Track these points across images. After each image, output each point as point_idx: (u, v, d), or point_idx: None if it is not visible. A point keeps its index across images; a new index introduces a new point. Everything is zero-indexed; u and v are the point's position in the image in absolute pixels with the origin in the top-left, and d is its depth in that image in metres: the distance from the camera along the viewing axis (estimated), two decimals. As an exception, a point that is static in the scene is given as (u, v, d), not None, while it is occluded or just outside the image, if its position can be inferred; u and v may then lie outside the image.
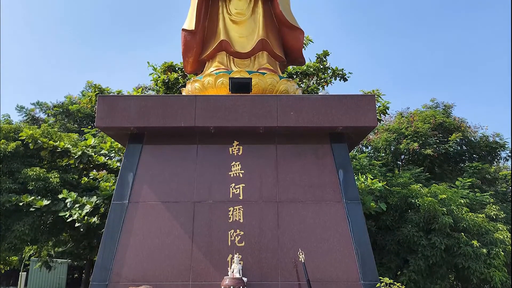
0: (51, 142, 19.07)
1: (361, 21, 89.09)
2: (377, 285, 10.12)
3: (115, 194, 11.38)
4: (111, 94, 21.59)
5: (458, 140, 29.69)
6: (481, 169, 27.34)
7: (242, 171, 11.54)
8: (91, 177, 19.53)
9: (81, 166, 19.87)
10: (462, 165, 30.40)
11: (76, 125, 36.82)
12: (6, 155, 19.71)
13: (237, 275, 10.12)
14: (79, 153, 19.19)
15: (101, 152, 20.12)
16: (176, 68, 22.36)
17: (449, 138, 29.19)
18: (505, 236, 17.91)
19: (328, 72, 22.73)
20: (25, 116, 38.19)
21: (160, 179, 11.52)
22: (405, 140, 29.28)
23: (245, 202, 11.25)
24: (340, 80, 22.81)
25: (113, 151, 20.20)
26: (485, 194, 22.24)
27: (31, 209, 17.97)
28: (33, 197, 18.01)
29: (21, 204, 17.90)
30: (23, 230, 18.18)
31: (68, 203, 17.67)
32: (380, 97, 20.81)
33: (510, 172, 29.50)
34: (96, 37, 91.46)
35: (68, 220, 17.55)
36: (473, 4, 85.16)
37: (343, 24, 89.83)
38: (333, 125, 11.47)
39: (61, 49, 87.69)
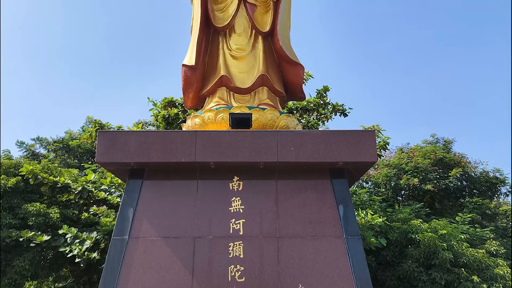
0: (51, 177, 19.11)
1: (361, 56, 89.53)
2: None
3: (115, 229, 11.34)
4: (111, 129, 21.63)
5: (458, 175, 29.81)
6: (481, 205, 27.41)
7: (242, 207, 11.51)
8: (92, 212, 19.55)
9: (81, 202, 19.89)
10: (462, 200, 30.48)
11: (76, 161, 36.94)
12: (6, 190, 19.71)
13: (237, 311, 10.08)
14: (79, 188, 19.21)
15: (101, 188, 20.14)
16: (176, 104, 22.42)
17: (449, 174, 29.31)
18: (505, 271, 17.93)
19: (329, 107, 22.78)
20: (25, 151, 38.29)
21: (161, 214, 11.48)
22: (405, 175, 29.37)
23: (245, 237, 11.21)
24: (340, 115, 22.85)
25: (113, 187, 20.22)
26: (485, 229, 22.32)
27: (31, 244, 17.93)
28: (33, 233, 17.99)
29: (21, 239, 17.86)
30: (23, 265, 18.16)
31: (68, 239, 17.67)
32: (381, 133, 20.89)
33: (510, 207, 29.50)
34: (96, 73, 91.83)
35: (69, 255, 17.51)
36: (472, 40, 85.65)
37: (343, 60, 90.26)
38: (333, 160, 11.45)
39: (61, 84, 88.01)
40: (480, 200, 27.59)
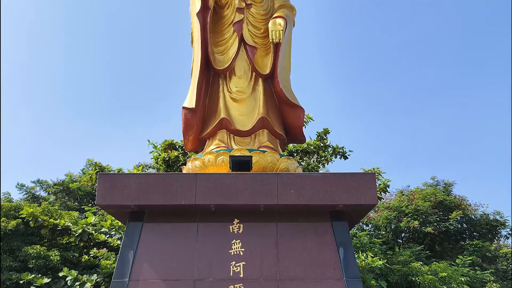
0: (51, 220, 19.07)
1: (361, 98, 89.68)
2: None
3: (116, 272, 11.30)
4: (111, 172, 21.67)
5: (458, 218, 29.88)
6: (481, 247, 27.45)
7: (243, 249, 11.47)
8: (92, 255, 19.46)
9: (82, 244, 19.85)
10: (463, 243, 30.53)
11: (76, 203, 36.87)
12: (6, 233, 19.74)
13: None
14: (80, 231, 19.18)
15: (101, 230, 20.11)
16: (177, 146, 22.46)
17: (449, 216, 29.37)
18: (506, 314, 17.89)
19: (329, 150, 22.81)
20: (26, 194, 38.22)
21: (161, 257, 11.44)
22: (405, 218, 29.41)
23: (245, 280, 11.16)
24: (340, 158, 22.90)
25: (114, 229, 20.18)
26: (485, 272, 22.35)
27: (32, 287, 17.87)
28: (33, 275, 17.95)
29: (21, 282, 17.81)
30: (24, 308, 18.13)
31: (69, 281, 17.60)
32: (381, 175, 20.90)
33: (511, 250, 29.49)
34: (96, 115, 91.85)
35: (69, 298, 17.50)
36: (472, 81, 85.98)
37: (344, 102, 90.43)
38: (333, 203, 11.43)
39: (61, 126, 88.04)
40: (481, 243, 27.62)
